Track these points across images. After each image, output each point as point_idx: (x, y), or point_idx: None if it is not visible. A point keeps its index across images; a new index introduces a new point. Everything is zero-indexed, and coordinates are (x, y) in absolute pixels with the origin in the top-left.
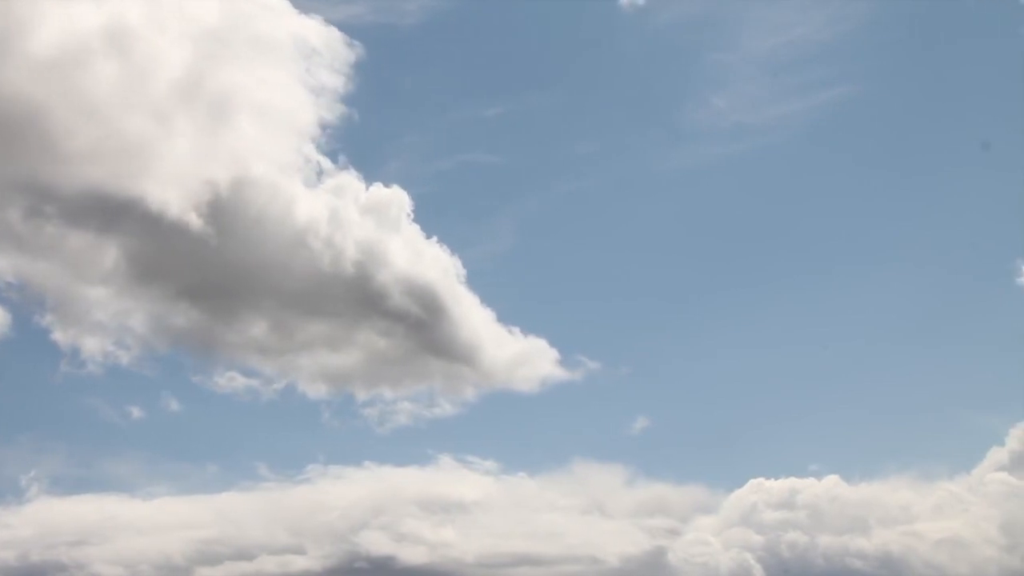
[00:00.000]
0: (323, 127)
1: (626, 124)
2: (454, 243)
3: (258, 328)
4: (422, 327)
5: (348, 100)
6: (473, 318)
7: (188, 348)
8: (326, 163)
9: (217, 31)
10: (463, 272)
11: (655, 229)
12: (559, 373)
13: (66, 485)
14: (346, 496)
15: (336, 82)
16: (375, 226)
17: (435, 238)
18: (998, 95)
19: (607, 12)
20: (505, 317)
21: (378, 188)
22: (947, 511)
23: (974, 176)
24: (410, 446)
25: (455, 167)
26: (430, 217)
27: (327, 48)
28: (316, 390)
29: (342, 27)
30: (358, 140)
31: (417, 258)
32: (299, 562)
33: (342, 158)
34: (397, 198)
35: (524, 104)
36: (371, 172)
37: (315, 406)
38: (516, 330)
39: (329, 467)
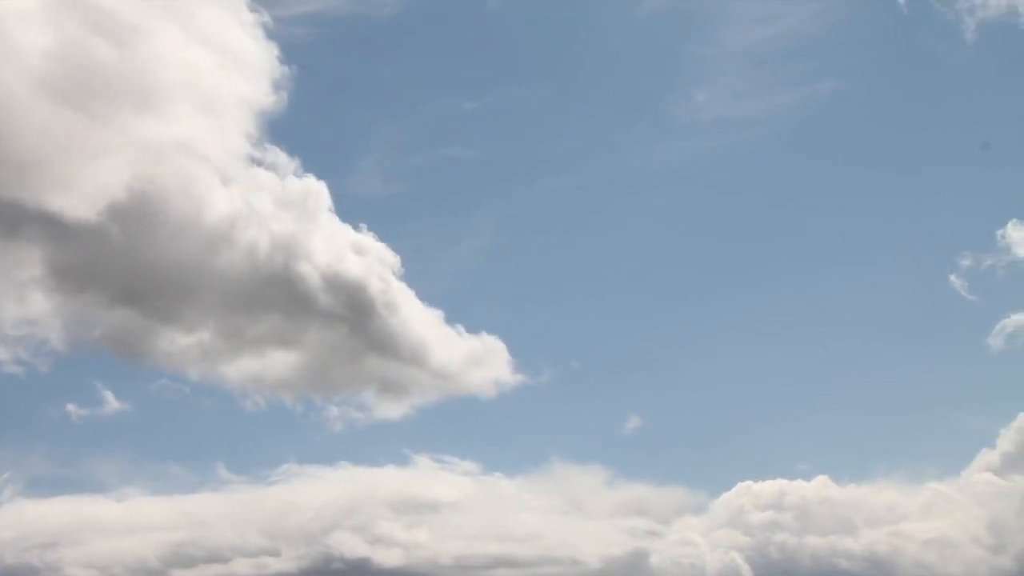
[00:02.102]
0: (262, 117)
1: (606, 119)
2: (433, 240)
3: (205, 328)
4: (368, 326)
5: (309, 89)
6: (415, 317)
7: (117, 352)
8: (257, 154)
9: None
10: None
11: (637, 226)
12: (540, 374)
13: (41, 487)
14: (319, 497)
15: (284, 69)
16: (294, 219)
17: (374, 233)
18: (987, 90)
19: (588, 4)
20: (485, 318)
21: (295, 180)
22: (937, 512)
23: (961, 174)
24: (382, 446)
25: (432, 162)
26: (390, 213)
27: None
28: (271, 392)
29: (318, 19)
30: (318, 132)
31: (363, 258)
32: (274, 564)
33: (287, 148)
34: (315, 190)
35: (502, 98)
36: (337, 166)
37: (279, 408)
38: (498, 332)
39: (297, 467)
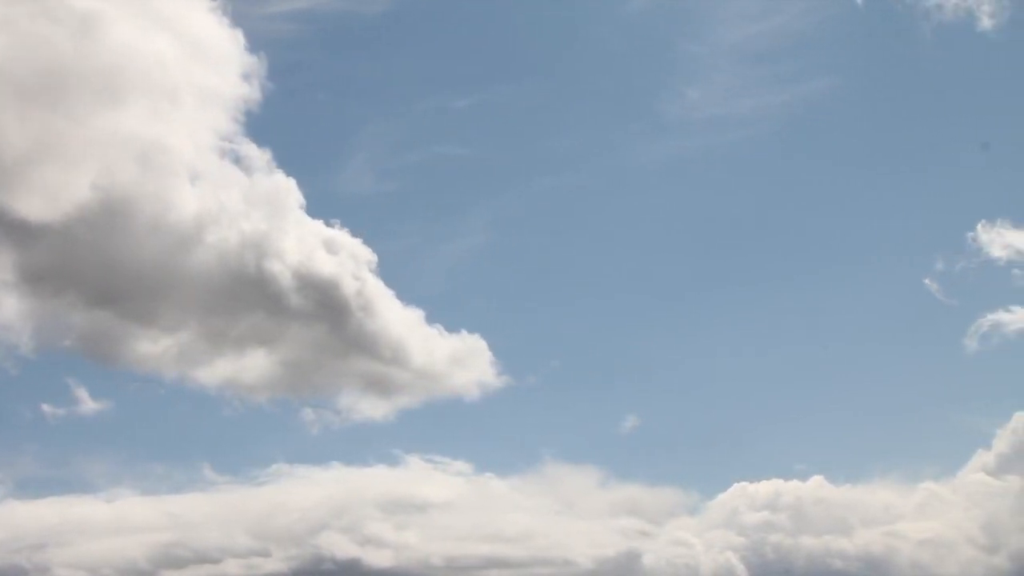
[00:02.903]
0: (241, 114)
1: (599, 117)
2: (425, 239)
3: (186, 329)
4: (348, 325)
5: (297, 87)
6: (397, 317)
7: (95, 354)
8: (233, 151)
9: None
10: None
11: (631, 226)
12: (533, 374)
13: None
14: (309, 498)
15: (257, 63)
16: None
17: (360, 232)
18: (981, 87)
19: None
20: (475, 318)
21: (271, 177)
22: (932, 512)
23: (956, 172)
24: (371, 447)
25: (423, 160)
26: (381, 212)
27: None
28: (255, 393)
29: (306, 14)
30: (306, 129)
31: (338, 256)
32: (265, 565)
33: (268, 145)
34: (286, 187)
35: (494, 95)
36: (327, 164)
37: (264, 409)
38: (490, 332)
39: (287, 467)
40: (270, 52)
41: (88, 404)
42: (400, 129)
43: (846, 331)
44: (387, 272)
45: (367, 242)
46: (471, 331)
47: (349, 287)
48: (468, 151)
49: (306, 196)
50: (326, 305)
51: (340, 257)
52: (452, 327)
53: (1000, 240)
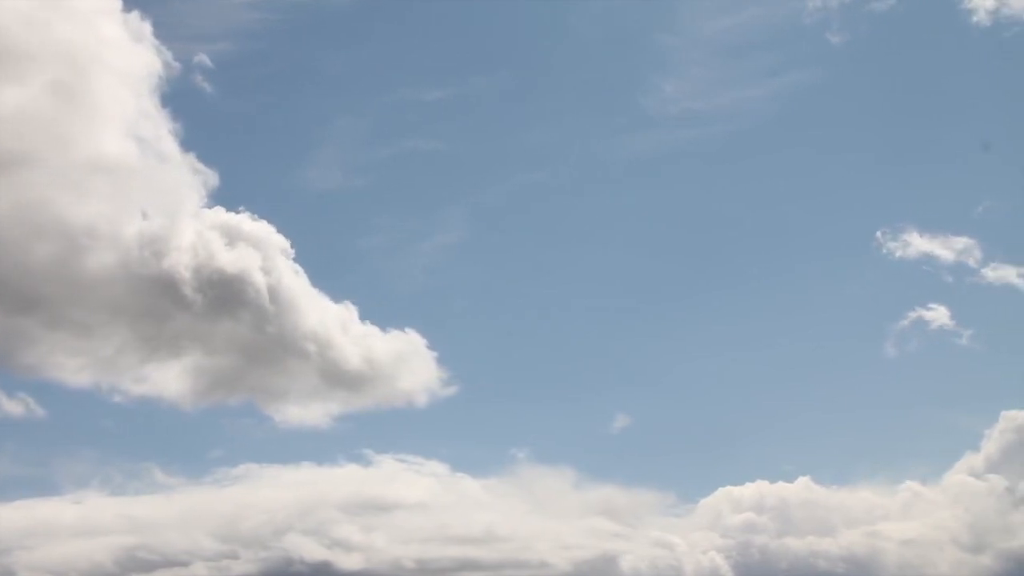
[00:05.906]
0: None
1: (574, 110)
2: (399, 237)
3: (124, 332)
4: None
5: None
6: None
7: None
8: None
9: None
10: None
11: (609, 222)
12: (514, 374)
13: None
14: (274, 500)
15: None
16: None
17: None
18: (968, 80)
19: None
20: (453, 317)
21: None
22: (919, 512)
23: (942, 168)
24: (342, 447)
25: (394, 155)
26: (353, 210)
27: None
28: (216, 393)
29: (270, 2)
30: (272, 126)
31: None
32: (235, 568)
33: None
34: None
35: (467, 88)
36: (294, 159)
37: (223, 410)
38: (470, 332)
39: (252, 468)
40: (234, 41)
41: (34, 410)
42: (370, 122)
43: (835, 331)
44: (360, 271)
45: (339, 240)
46: (443, 329)
47: (259, 282)
48: (441, 145)
49: (269, 192)
50: (250, 303)
51: (256, 252)
52: (426, 328)
53: None
